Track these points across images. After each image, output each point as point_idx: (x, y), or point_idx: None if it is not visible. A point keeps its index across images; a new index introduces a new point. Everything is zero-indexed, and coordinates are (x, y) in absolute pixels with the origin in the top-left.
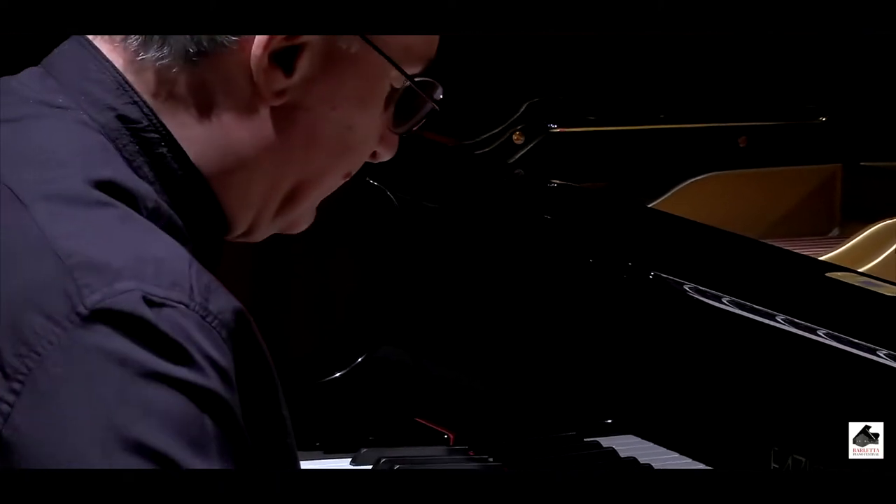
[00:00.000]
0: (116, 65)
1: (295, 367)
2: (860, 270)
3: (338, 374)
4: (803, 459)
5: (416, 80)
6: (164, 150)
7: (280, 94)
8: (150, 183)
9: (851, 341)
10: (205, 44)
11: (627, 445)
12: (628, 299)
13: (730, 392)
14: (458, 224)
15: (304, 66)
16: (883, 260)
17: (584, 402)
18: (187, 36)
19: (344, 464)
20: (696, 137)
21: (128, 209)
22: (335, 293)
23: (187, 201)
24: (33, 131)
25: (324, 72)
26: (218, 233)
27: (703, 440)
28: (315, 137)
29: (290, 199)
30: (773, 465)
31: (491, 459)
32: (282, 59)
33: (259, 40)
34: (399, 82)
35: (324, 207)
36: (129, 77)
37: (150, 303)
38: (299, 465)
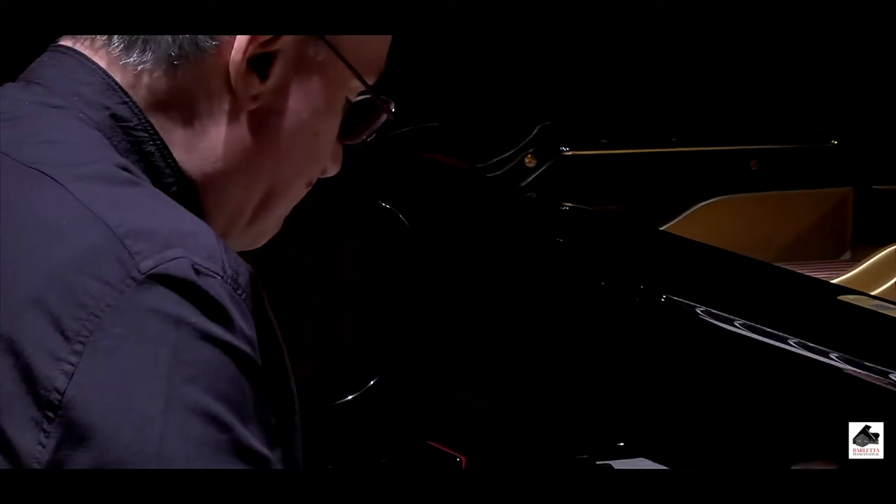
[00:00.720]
0: (113, 72)
1: (307, 389)
2: (872, 294)
3: (350, 397)
4: None
5: (376, 94)
6: (153, 148)
7: (255, 98)
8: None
9: (863, 364)
10: (186, 48)
11: (639, 468)
12: (640, 322)
13: (742, 415)
14: (471, 247)
15: (277, 72)
16: (895, 283)
17: (596, 425)
18: (169, 41)
19: None
20: (708, 160)
21: (154, 187)
22: (347, 315)
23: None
24: (42, 125)
25: (295, 78)
26: None
27: (716, 463)
28: (286, 142)
29: (262, 207)
30: None
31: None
32: (258, 65)
33: (238, 46)
34: (354, 95)
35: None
36: (116, 79)
37: (196, 271)
38: (300, 445)
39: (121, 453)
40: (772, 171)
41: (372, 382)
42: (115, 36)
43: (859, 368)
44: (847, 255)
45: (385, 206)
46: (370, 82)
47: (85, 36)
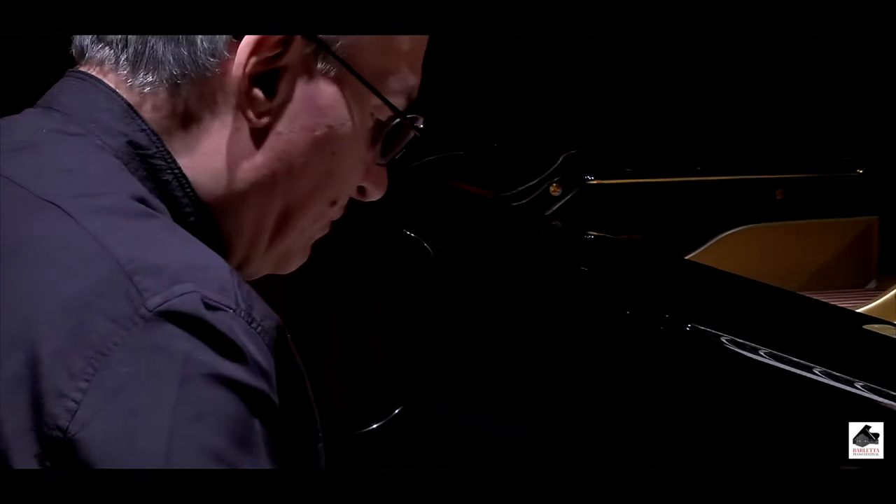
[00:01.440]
0: (121, 94)
1: (331, 418)
2: None
3: (374, 426)
4: None
5: (393, 106)
6: (171, 177)
7: (263, 115)
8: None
9: (889, 393)
10: (188, 68)
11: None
12: (665, 351)
13: (767, 444)
14: (495, 275)
15: (284, 88)
16: None
17: (619, 452)
18: (171, 60)
19: None
20: (734, 189)
21: (169, 220)
22: (372, 344)
23: (190, 227)
24: (59, 154)
25: (304, 94)
26: None
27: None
28: (298, 160)
29: (280, 227)
30: None
31: None
32: (263, 82)
33: (238, 62)
34: (383, 114)
35: (360, 258)
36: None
37: (206, 305)
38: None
39: None
40: (797, 200)
41: (396, 411)
42: (122, 58)
43: (884, 398)
44: (872, 284)
45: (410, 235)
46: (397, 101)
47: (95, 60)
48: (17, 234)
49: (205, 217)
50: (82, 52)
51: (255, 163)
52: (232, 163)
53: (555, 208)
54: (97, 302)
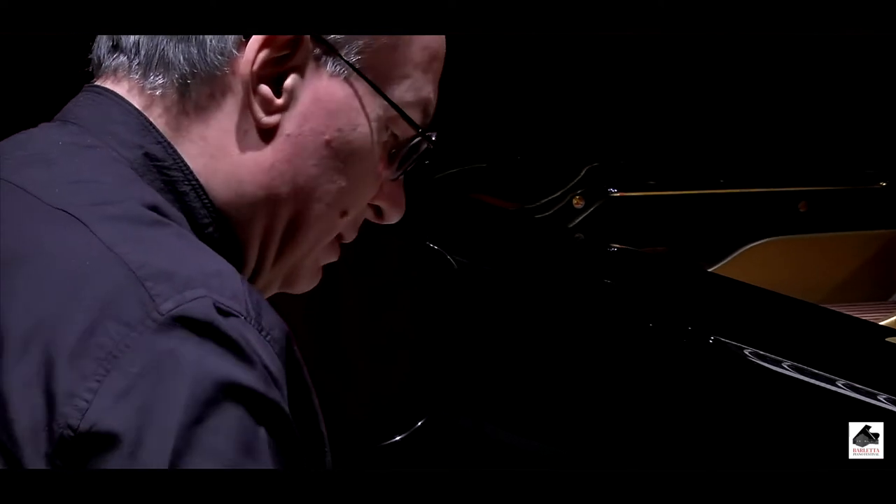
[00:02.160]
0: (136, 106)
1: (354, 430)
2: None
3: (398, 438)
4: None
5: (405, 115)
6: (188, 188)
7: (270, 115)
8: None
9: None
10: (198, 66)
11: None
12: (688, 364)
13: (790, 457)
14: (518, 288)
15: (292, 88)
16: None
17: (641, 464)
18: (182, 60)
19: None
20: (757, 202)
21: (181, 228)
22: (394, 356)
23: (208, 237)
24: (74, 165)
25: (313, 96)
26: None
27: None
28: (307, 164)
29: (289, 236)
30: None
31: None
32: (271, 81)
33: (247, 59)
34: (399, 128)
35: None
36: (137, 105)
37: (219, 310)
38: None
39: None
40: (820, 213)
41: (420, 423)
42: (135, 62)
43: None
44: (895, 297)
45: (433, 247)
46: (411, 113)
47: (111, 69)
48: (31, 242)
49: (222, 227)
50: (99, 64)
51: (264, 164)
52: (241, 163)
53: (578, 221)
54: (110, 307)
